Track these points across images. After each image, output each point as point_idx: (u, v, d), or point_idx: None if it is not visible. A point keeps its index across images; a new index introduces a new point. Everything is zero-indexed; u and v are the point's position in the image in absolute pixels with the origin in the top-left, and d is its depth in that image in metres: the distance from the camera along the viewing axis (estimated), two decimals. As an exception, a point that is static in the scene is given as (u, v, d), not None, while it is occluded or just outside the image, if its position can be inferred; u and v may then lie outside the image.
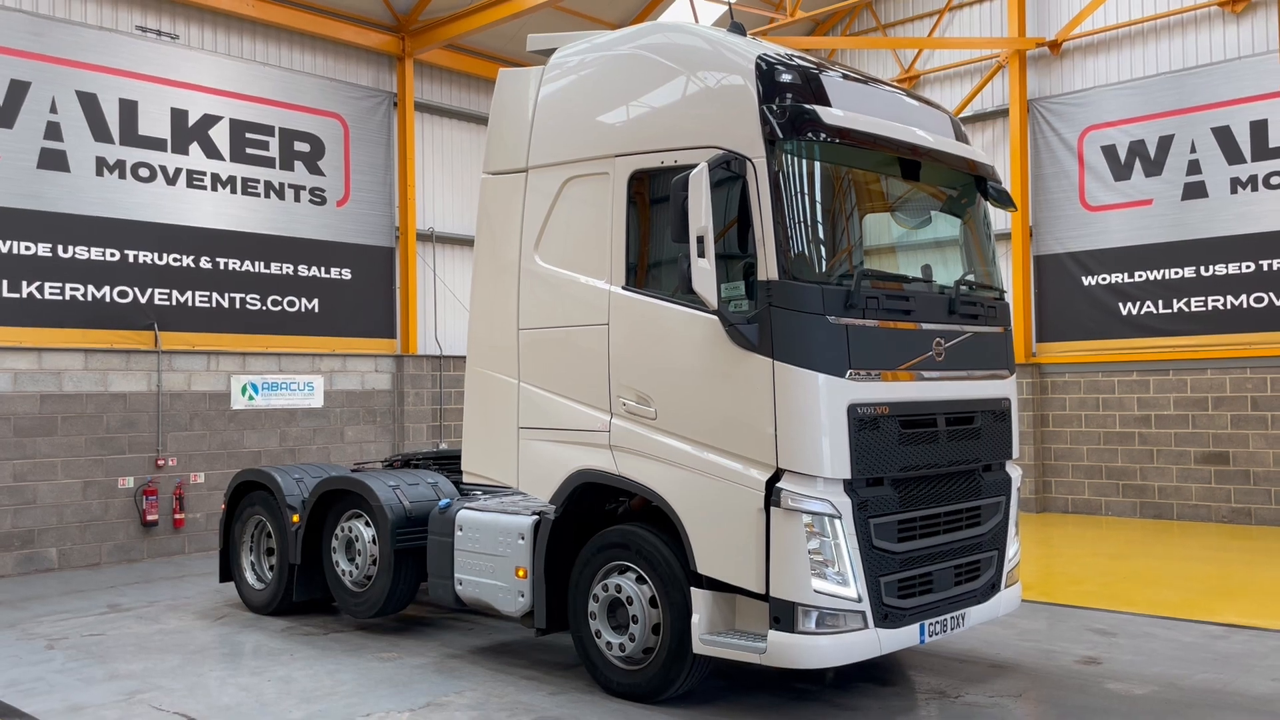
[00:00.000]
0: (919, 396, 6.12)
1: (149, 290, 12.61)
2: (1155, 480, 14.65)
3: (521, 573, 6.88)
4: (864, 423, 5.73)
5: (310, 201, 14.30)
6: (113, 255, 12.35)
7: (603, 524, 6.69)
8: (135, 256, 12.52)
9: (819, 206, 5.89)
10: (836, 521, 5.59)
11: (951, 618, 6.24)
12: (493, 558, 7.08)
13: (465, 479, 7.59)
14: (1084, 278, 15.44)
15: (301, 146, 14.24)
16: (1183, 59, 14.90)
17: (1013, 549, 6.85)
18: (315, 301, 14.26)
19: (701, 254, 5.57)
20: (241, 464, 13.00)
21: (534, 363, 6.92)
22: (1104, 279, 15.27)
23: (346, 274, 14.65)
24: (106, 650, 7.96)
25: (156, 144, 12.80)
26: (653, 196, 6.38)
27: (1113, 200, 15.25)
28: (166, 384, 12.68)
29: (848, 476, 5.66)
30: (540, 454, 6.86)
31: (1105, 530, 13.80)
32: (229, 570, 9.55)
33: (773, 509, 5.61)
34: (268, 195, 13.83)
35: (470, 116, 16.31)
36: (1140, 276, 14.94)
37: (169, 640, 8.26)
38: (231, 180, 13.48)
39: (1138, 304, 14.95)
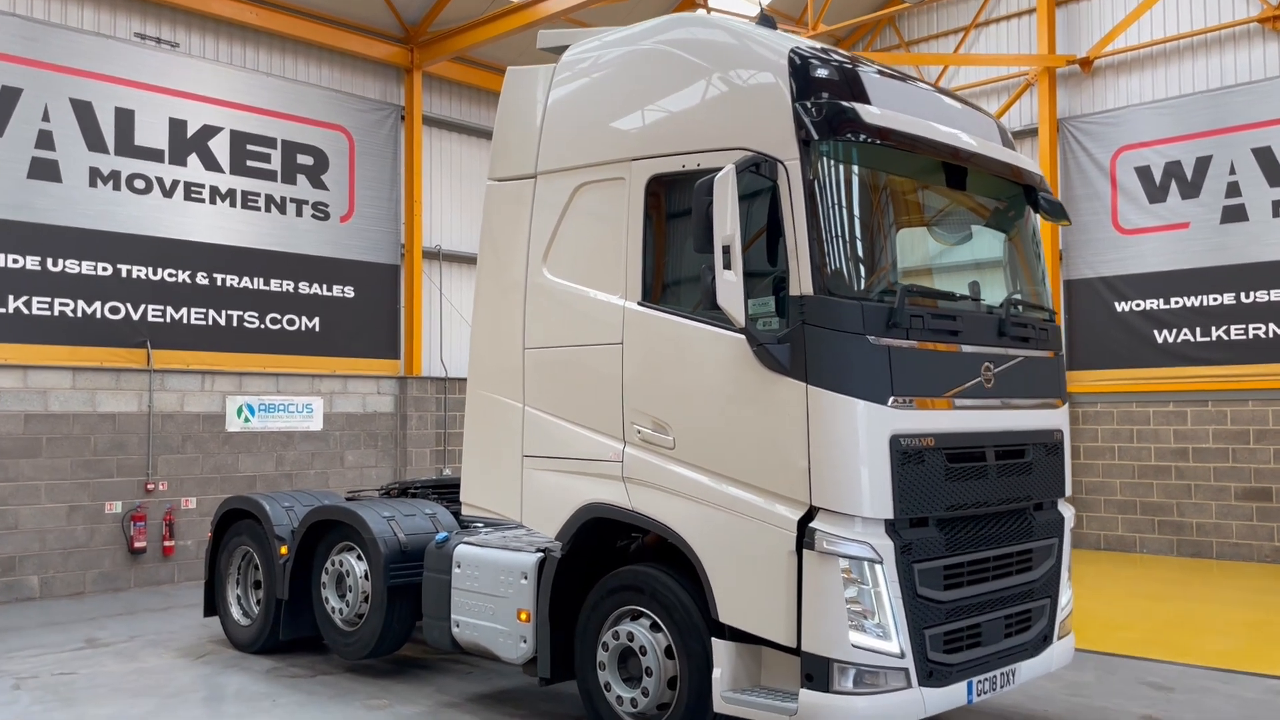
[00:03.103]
0: (967, 427, 5.51)
1: (142, 306, 12.09)
2: (1193, 517, 13.94)
3: (524, 616, 6.26)
4: (908, 456, 5.11)
5: (313, 216, 13.79)
6: (105, 269, 11.84)
7: (613, 563, 6.08)
8: (128, 271, 12.01)
9: (857, 215, 5.31)
10: (877, 567, 4.97)
11: (1001, 674, 5.60)
12: (493, 598, 6.47)
13: (465, 511, 7.00)
14: (1117, 304, 14.80)
15: (305, 160, 13.75)
16: (1220, 77, 14.32)
17: (1065, 596, 6.21)
18: (316, 320, 13.72)
19: (727, 265, 4.98)
20: (236, 489, 12.43)
21: (540, 385, 6.34)
22: (1138, 305, 14.64)
23: (349, 292, 14.11)
24: (76, 692, 7.35)
25: (153, 155, 12.31)
26: (672, 204, 5.81)
27: (1147, 223, 14.63)
28: (158, 404, 12.13)
29: (890, 516, 5.04)
30: (546, 485, 6.26)
31: (1141, 569, 13.09)
32: (214, 604, 8.95)
33: (805, 552, 5.00)
34: (268, 209, 13.33)
35: (480, 131, 15.81)
36: (1176, 303, 14.30)
37: (145, 681, 7.65)
38: (231, 193, 12.98)
39: (1174, 331, 14.29)
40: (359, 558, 7.65)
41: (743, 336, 5.17)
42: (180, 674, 7.88)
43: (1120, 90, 15.20)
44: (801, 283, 5.07)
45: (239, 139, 13.07)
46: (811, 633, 4.97)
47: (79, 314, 11.62)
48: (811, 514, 5.04)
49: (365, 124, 14.42)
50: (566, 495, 6.11)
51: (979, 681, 5.43)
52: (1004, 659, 5.62)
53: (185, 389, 12.41)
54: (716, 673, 5.29)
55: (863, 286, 5.21)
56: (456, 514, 7.72)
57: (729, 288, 4.98)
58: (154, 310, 12.19)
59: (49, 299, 11.40)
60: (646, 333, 5.74)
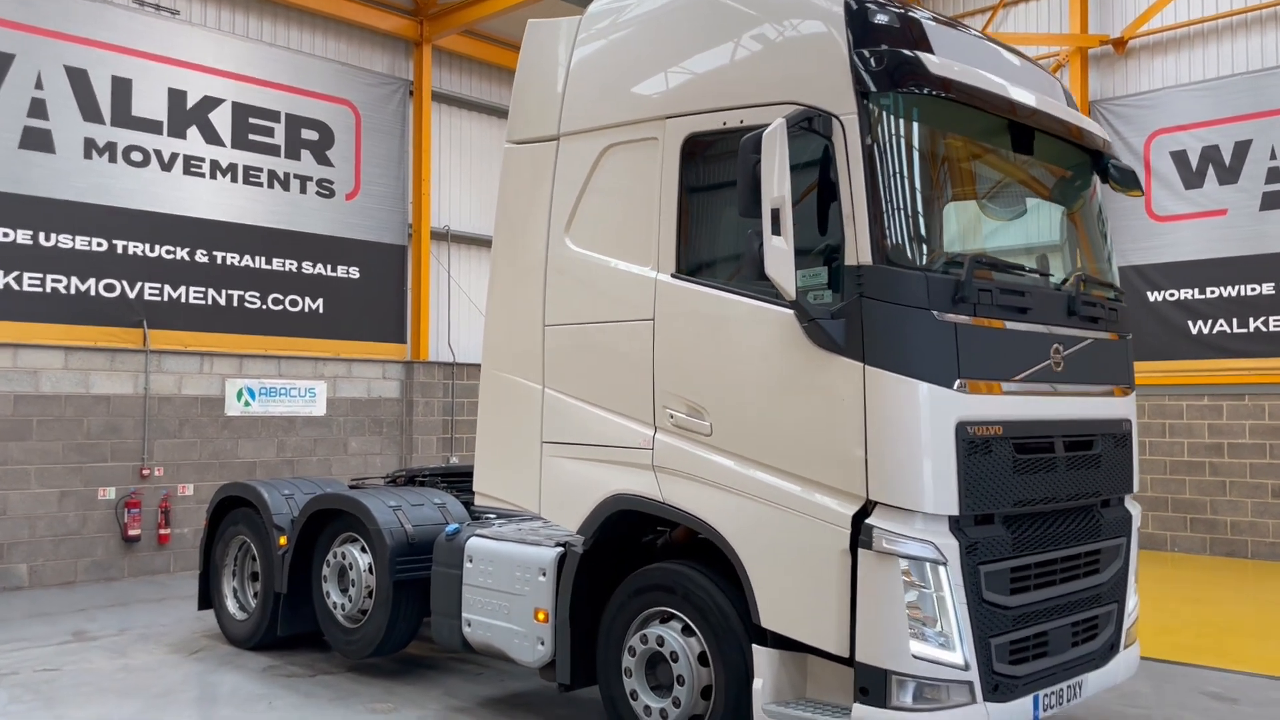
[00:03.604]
0: (1035, 414, 4.99)
1: (138, 284, 11.59)
2: (1227, 515, 13.40)
3: (542, 616, 5.76)
4: (974, 445, 4.60)
5: (317, 194, 13.27)
6: (99, 245, 11.33)
7: (640, 560, 5.57)
8: (124, 247, 11.50)
9: (919, 177, 4.79)
10: (941, 569, 4.46)
11: (1068, 686, 5.09)
12: (508, 596, 5.97)
13: (477, 501, 6.49)
14: (1149, 293, 14.23)
15: (309, 135, 13.22)
16: (1261, 58, 13.73)
17: (1132, 601, 5.70)
18: (320, 301, 13.21)
19: (776, 230, 4.45)
20: (235, 476, 11.94)
21: (562, 365, 5.83)
22: (1172, 295, 14.07)
23: (354, 273, 13.60)
24: (58, 691, 6.87)
25: (151, 126, 11.79)
26: (712, 166, 5.29)
27: (1182, 210, 14.06)
28: (154, 386, 11.63)
29: (955, 513, 4.53)
30: (567, 474, 5.75)
31: (1175, 569, 12.56)
32: (209, 597, 8.46)
33: (861, 551, 4.49)
34: (271, 185, 12.81)
35: (491, 109, 15.28)
36: (1212, 292, 13.74)
37: (132, 680, 7.16)
38: (232, 168, 12.47)
39: (1209, 322, 13.74)
40: (363, 550, 7.16)
41: (791, 311, 4.66)
42: (171, 672, 7.39)
43: (1155, 72, 14.61)
44: (859, 251, 4.55)
45: (241, 111, 12.55)
46: (867, 641, 4.47)
47: (72, 291, 11.12)
48: (868, 509, 4.53)
49: (372, 99, 13.88)
50: (590, 485, 5.60)
51: (1045, 695, 4.92)
52: (1070, 670, 5.12)
53: (183, 371, 11.91)
54: (757, 683, 4.78)
55: (926, 256, 4.68)
56: (468, 504, 7.23)
57: (778, 255, 4.45)
58: (151, 288, 11.69)
59: (40, 275, 10.89)
60: (681, 307, 5.22)
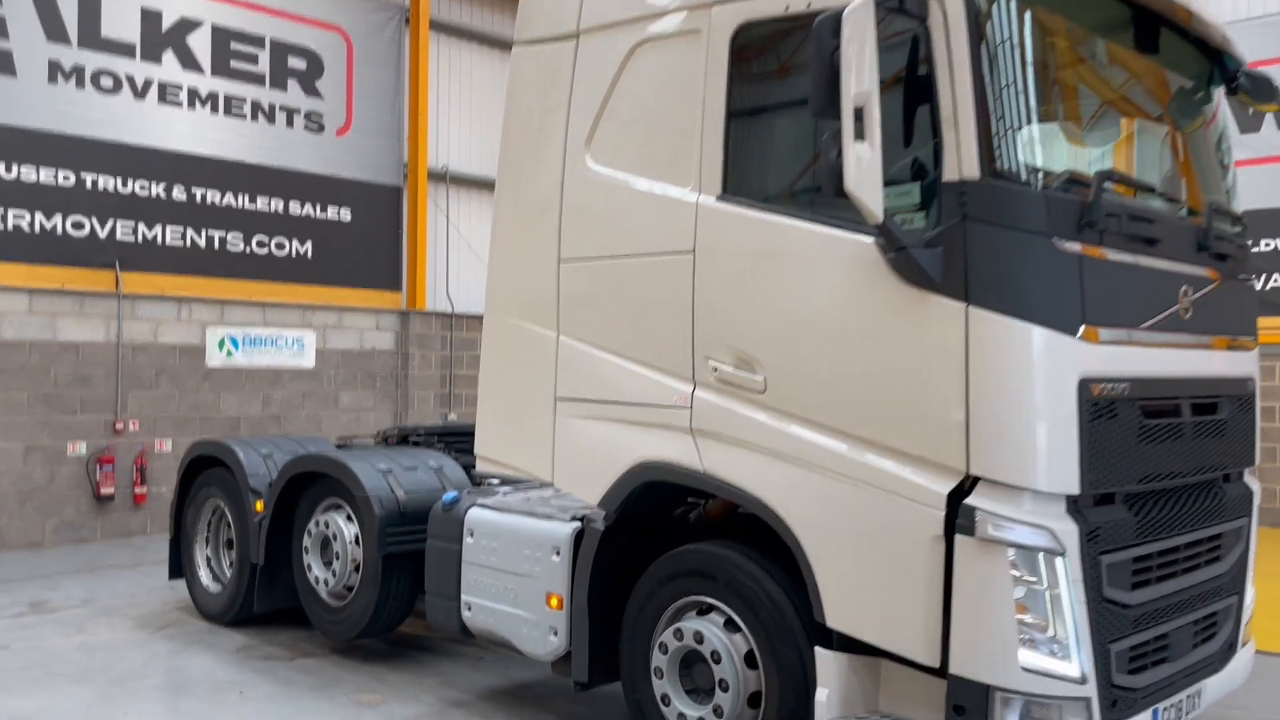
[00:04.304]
0: (1162, 371, 4.09)
1: (109, 222, 10.62)
2: (1274, 483, 12.55)
3: (555, 601, 4.90)
4: (1099, 408, 3.70)
5: (305, 128, 12.25)
6: (66, 179, 10.35)
7: (672, 537, 4.70)
8: (94, 182, 10.52)
9: (1038, 72, 3.84)
10: (1058, 561, 3.58)
11: (1187, 696, 4.24)
12: (515, 577, 5.10)
13: (479, 465, 5.63)
14: (1199, 245, 13.28)
15: (297, 63, 12.18)
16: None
17: (1250, 593, 4.84)
18: (308, 245, 12.24)
19: (860, 135, 3.52)
20: (217, 431, 11.09)
21: (580, 309, 4.92)
22: (1223, 247, 13.12)
23: (345, 215, 12.61)
24: (3, 674, 6.04)
25: (123, 49, 10.76)
26: (770, 61, 4.34)
27: (1238, 156, 13.04)
28: (128, 334, 10.71)
29: (1074, 491, 3.65)
30: (587, 437, 4.87)
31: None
32: (180, 565, 7.63)
33: (960, 538, 3.61)
34: (255, 117, 11.79)
35: (494, 40, 14.21)
36: (1270, 244, 12.79)
37: (89, 661, 6.33)
38: (212, 97, 11.44)
39: (1266, 278, 12.80)
40: (349, 518, 6.29)
41: (870, 239, 3.75)
42: (133, 652, 6.56)
43: (1208, 5, 13.52)
44: (962, 163, 3.62)
45: (221, 36, 11.50)
46: (965, 650, 3.60)
47: (36, 228, 10.16)
48: (966, 486, 3.65)
49: (365, 26, 12.82)
50: (614, 451, 4.71)
51: (1165, 709, 4.08)
52: (1189, 677, 4.27)
53: (159, 317, 10.98)
54: (821, 694, 3.93)
55: (1043, 171, 3.75)
56: (468, 468, 6.35)
57: (862, 165, 3.51)
58: (123, 227, 10.73)
59: (1, 209, 9.93)
60: (728, 237, 4.30)
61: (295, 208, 12.10)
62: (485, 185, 13.78)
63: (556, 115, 5.03)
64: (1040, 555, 3.57)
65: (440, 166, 13.68)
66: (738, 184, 4.32)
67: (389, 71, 13.09)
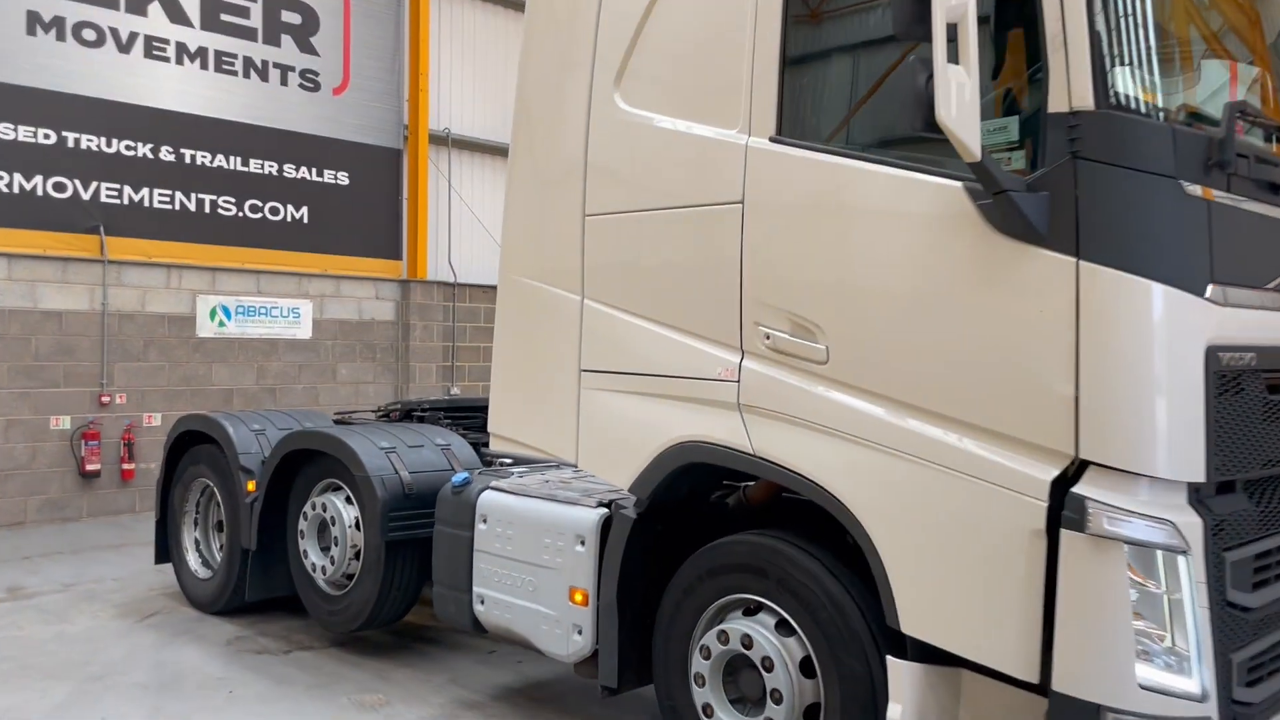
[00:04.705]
0: (1283, 338, 3.55)
1: (93, 184, 10.05)
2: None
3: (580, 597, 4.39)
4: (1226, 382, 3.17)
5: (301, 86, 11.64)
6: (47, 137, 9.77)
7: (713, 528, 4.17)
8: (76, 141, 9.94)
9: (1158, -13, 3.27)
10: (1179, 560, 3.05)
11: (1300, 710, 3.73)
12: (535, 569, 4.59)
13: (492, 444, 5.08)
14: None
15: (291, 17, 11.55)
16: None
17: (1356, 589, 4.32)
18: (304, 210, 11.67)
19: (954, 58, 2.96)
20: (209, 405, 10.55)
21: (609, 269, 4.37)
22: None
23: (343, 178, 12.02)
24: (-29, 669, 5.55)
25: (106, 0, 10.14)
26: (834, -20, 3.77)
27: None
28: (114, 302, 10.16)
29: (1199, 478, 3.11)
30: (615, 413, 4.33)
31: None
32: (167, 548, 7.12)
33: (1066, 533, 3.07)
34: (247, 74, 11.18)
35: (498, -2, 13.59)
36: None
37: (67, 654, 5.83)
38: (202, 53, 10.83)
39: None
40: (348, 501, 5.77)
41: (959, 183, 3.19)
42: (114, 644, 6.06)
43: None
44: (1073, 92, 3.05)
45: (211, -14, 10.88)
46: (1071, 663, 3.07)
47: (15, 190, 9.59)
48: (1071, 474, 3.11)
49: (363, -21, 12.19)
50: (647, 429, 4.17)
51: (1281, 725, 3.57)
52: (1300, 687, 3.76)
53: (147, 285, 10.43)
54: (894, 710, 3.41)
55: (1164, 102, 3.20)
56: (478, 447, 5.85)
57: (957, 92, 2.95)
58: (108, 189, 10.15)
59: (-24, 170, 9.38)
60: (783, 184, 3.74)
61: (290, 170, 11.52)
62: (490, 150, 13.18)
63: (581, 50, 4.45)
64: (1158, 553, 3.04)
65: (442, 129, 13.07)
66: (795, 123, 3.75)
67: (389, 27, 12.46)
